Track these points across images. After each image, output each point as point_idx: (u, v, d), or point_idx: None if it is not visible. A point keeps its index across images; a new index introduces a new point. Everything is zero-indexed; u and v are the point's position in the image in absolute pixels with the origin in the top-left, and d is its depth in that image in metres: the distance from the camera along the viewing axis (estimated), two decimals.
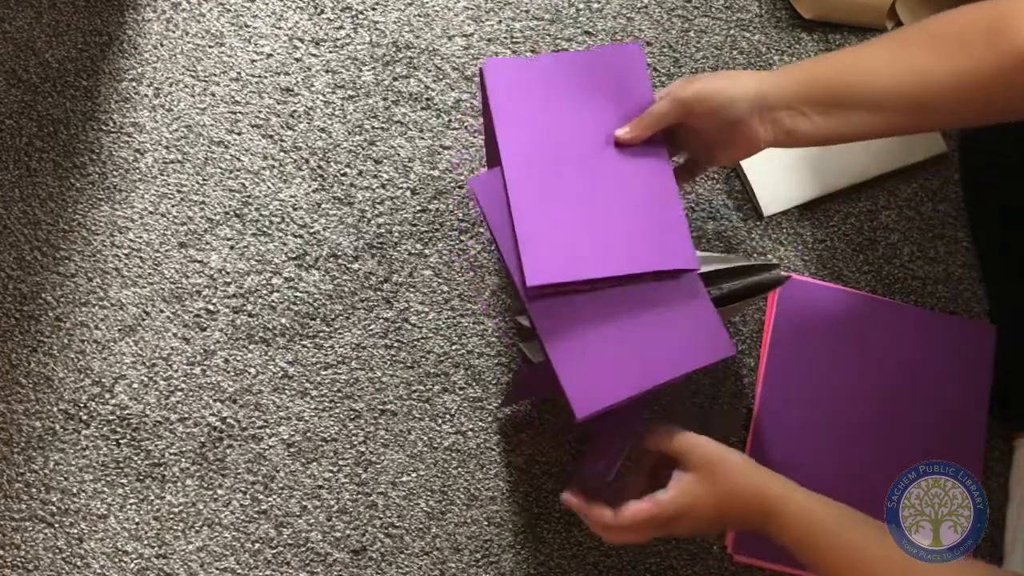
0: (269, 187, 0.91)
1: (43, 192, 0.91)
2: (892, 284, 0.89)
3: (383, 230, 0.90)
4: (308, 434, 0.86)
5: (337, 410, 0.86)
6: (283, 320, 0.88)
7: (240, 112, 0.93)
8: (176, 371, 0.87)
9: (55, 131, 0.93)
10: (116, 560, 0.83)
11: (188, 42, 0.95)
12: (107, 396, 0.86)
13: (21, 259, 0.90)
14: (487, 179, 0.71)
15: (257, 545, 0.84)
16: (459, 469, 0.85)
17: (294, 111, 0.93)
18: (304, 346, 0.88)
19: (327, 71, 0.94)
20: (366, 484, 0.85)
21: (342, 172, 0.92)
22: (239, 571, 0.83)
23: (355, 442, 0.86)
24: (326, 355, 0.87)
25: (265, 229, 0.90)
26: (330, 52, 0.95)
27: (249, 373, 0.87)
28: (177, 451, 0.85)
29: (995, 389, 0.85)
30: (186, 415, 0.86)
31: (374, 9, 0.96)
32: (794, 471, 0.83)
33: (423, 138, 0.92)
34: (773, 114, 0.67)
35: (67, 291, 0.89)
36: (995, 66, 0.62)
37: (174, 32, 0.95)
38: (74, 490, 0.85)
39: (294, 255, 0.90)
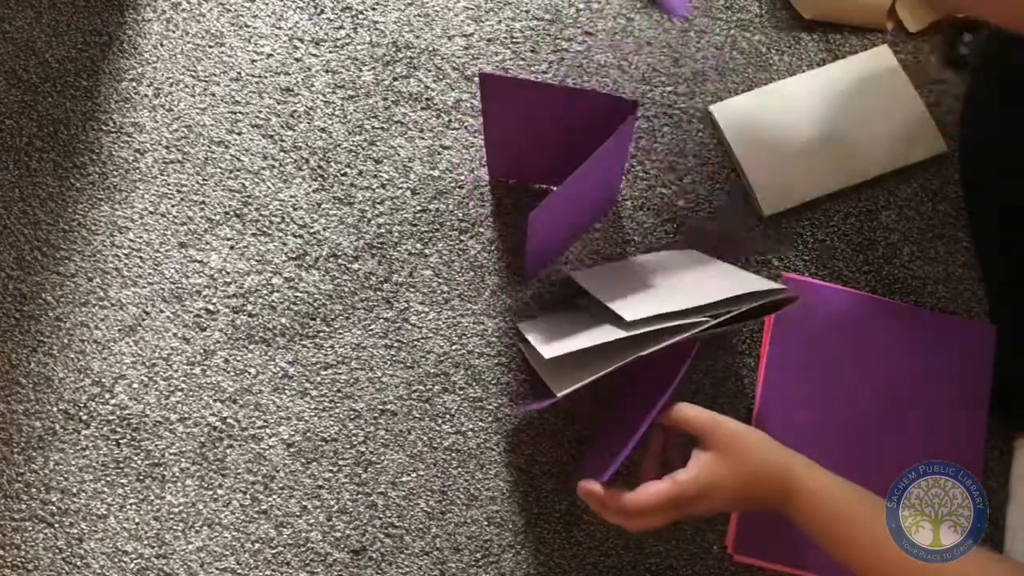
0: (269, 187, 0.91)
1: (43, 192, 0.91)
2: (892, 284, 0.89)
3: (383, 230, 0.90)
4: (308, 434, 0.86)
5: (337, 410, 0.86)
6: (283, 320, 0.88)
7: (240, 112, 0.93)
8: (176, 371, 0.87)
9: (55, 131, 0.93)
10: (116, 560, 0.83)
11: (188, 42, 0.95)
12: (107, 396, 0.86)
13: (21, 259, 0.90)
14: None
15: (257, 545, 0.84)
16: (459, 469, 0.85)
17: (294, 111, 0.93)
18: (304, 346, 0.88)
19: (327, 71, 0.94)
20: (366, 484, 0.85)
21: (342, 172, 0.92)
22: (239, 571, 0.83)
23: (355, 442, 0.86)
24: (326, 355, 0.87)
25: (265, 229, 0.90)
26: (330, 52, 0.95)
27: (249, 373, 0.87)
28: (177, 451, 0.85)
29: (995, 389, 0.85)
30: (186, 415, 0.86)
31: (374, 9, 0.96)
32: None
33: (423, 138, 0.92)
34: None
35: (67, 291, 0.89)
36: None
37: (174, 32, 0.95)
38: (74, 490, 0.85)
39: (294, 255, 0.90)
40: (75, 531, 0.84)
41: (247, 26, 0.95)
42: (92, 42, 0.95)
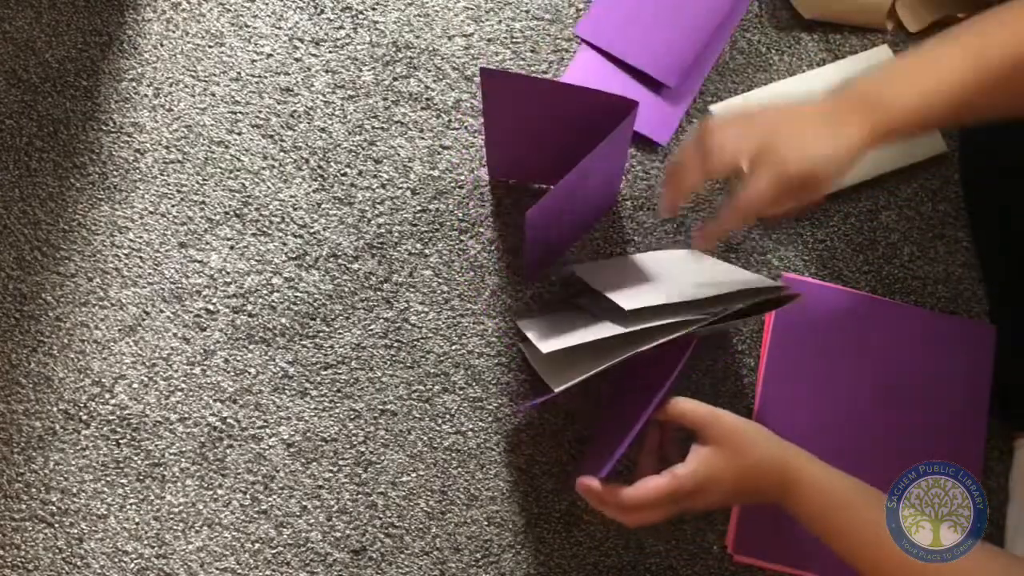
0: (269, 187, 0.91)
1: (43, 192, 0.91)
2: (892, 284, 0.89)
3: (383, 230, 0.90)
4: (308, 434, 0.86)
5: (337, 410, 0.86)
6: (283, 320, 0.88)
7: (240, 112, 0.93)
8: (176, 371, 0.87)
9: (55, 131, 0.93)
10: (116, 560, 0.83)
11: (188, 42, 0.95)
12: (107, 396, 0.86)
13: (21, 259, 0.90)
14: None
15: (257, 545, 0.84)
16: (459, 469, 0.85)
17: (294, 111, 0.93)
18: (304, 346, 0.88)
19: (327, 71, 0.94)
20: (366, 484, 0.85)
21: (342, 172, 0.92)
22: (239, 571, 0.83)
23: (355, 442, 0.86)
24: (326, 355, 0.87)
25: (265, 229, 0.90)
26: (330, 52, 0.95)
27: (249, 373, 0.87)
28: (177, 451, 0.85)
29: (995, 389, 0.84)
30: (186, 415, 0.86)
31: (374, 9, 0.96)
32: None
33: (423, 138, 0.92)
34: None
35: (67, 291, 0.89)
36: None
37: (174, 32, 0.95)
38: (74, 490, 0.85)
39: (294, 255, 0.90)
40: (75, 531, 0.84)
41: (247, 26, 0.95)
42: (92, 42, 0.95)
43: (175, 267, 0.89)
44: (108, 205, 0.91)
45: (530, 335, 0.79)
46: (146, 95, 0.94)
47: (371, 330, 0.88)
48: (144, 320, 0.88)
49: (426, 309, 0.88)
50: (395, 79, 0.94)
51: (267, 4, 0.96)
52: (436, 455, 0.86)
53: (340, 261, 0.89)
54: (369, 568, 0.83)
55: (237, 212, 0.91)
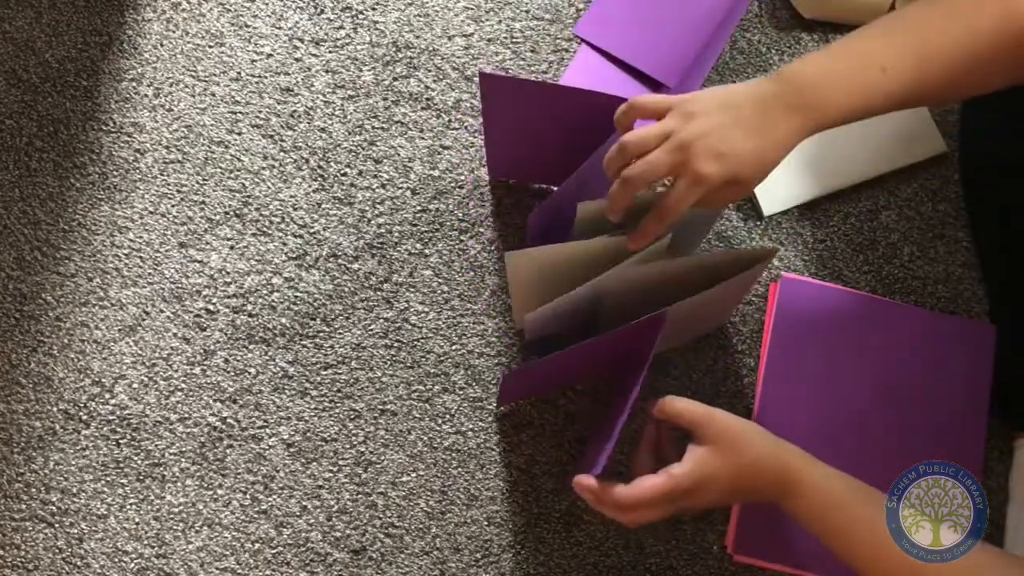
0: (269, 187, 0.91)
1: (43, 192, 0.91)
2: (892, 284, 0.89)
3: (383, 230, 0.90)
4: (308, 434, 0.86)
5: (337, 410, 0.86)
6: (283, 320, 0.88)
7: (240, 112, 0.93)
8: (176, 371, 0.87)
9: (55, 131, 0.93)
10: (116, 560, 0.83)
11: (188, 42, 0.95)
12: (107, 396, 0.86)
13: (21, 259, 0.90)
14: None
15: (257, 545, 0.84)
16: (459, 469, 0.85)
17: (294, 111, 0.93)
18: (304, 346, 0.88)
19: (327, 71, 0.94)
20: (366, 484, 0.85)
21: (342, 172, 0.92)
22: (239, 571, 0.83)
23: (355, 442, 0.86)
24: (326, 355, 0.87)
25: (265, 229, 0.90)
26: (330, 52, 0.95)
27: (249, 373, 0.87)
28: (177, 451, 0.85)
29: (995, 389, 0.84)
30: (186, 415, 0.86)
31: (374, 9, 0.96)
32: None
33: (423, 138, 0.92)
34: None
35: (67, 291, 0.89)
36: (996, 33, 0.63)
37: (174, 32, 0.95)
38: (74, 490, 0.85)
39: (294, 255, 0.90)
40: (75, 531, 0.84)
41: (247, 26, 0.95)
42: (92, 42, 0.95)
43: (175, 267, 0.89)
44: (108, 205, 0.91)
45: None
46: (146, 95, 0.94)
47: (371, 330, 0.88)
48: (144, 320, 0.88)
49: (426, 309, 0.88)
50: (395, 79, 0.94)
51: (267, 4, 0.96)
52: (436, 455, 0.86)
53: (340, 261, 0.90)
54: (369, 568, 0.83)
55: (237, 212, 0.91)
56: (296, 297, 0.89)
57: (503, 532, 0.84)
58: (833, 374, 0.85)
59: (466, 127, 0.93)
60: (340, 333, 0.88)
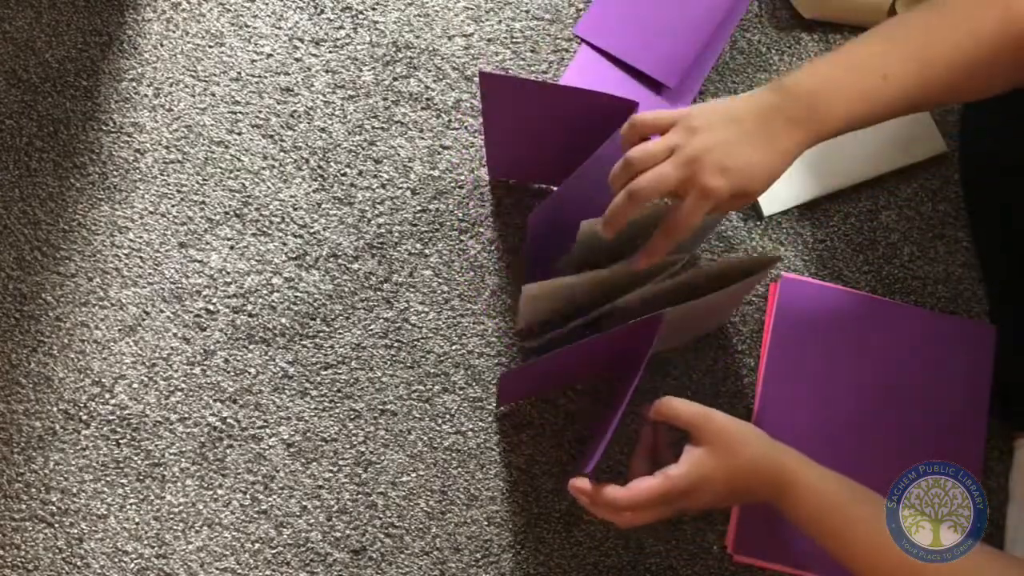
0: (269, 187, 0.91)
1: (43, 192, 0.91)
2: (892, 284, 0.89)
3: (383, 230, 0.90)
4: (308, 434, 0.86)
5: (337, 410, 0.86)
6: (283, 320, 0.88)
7: (240, 112, 0.93)
8: (176, 371, 0.87)
9: (55, 131, 0.93)
10: (116, 560, 0.83)
11: (188, 42, 0.95)
12: (107, 396, 0.86)
13: (21, 259, 0.90)
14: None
15: (257, 545, 0.84)
16: (459, 469, 0.85)
17: (294, 111, 0.93)
18: (304, 346, 0.88)
19: (327, 71, 0.94)
20: (366, 484, 0.85)
21: (342, 172, 0.92)
22: (239, 571, 0.83)
23: (355, 442, 0.86)
24: (326, 355, 0.87)
25: (265, 229, 0.90)
26: (330, 52, 0.95)
27: (249, 373, 0.87)
28: (177, 451, 0.85)
29: (995, 389, 0.84)
30: (186, 415, 0.86)
31: (374, 9, 0.96)
32: None
33: (423, 138, 0.92)
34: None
35: (67, 291, 0.89)
36: (997, 36, 0.63)
37: (174, 32, 0.95)
38: (74, 490, 0.85)
39: (294, 255, 0.90)
40: (75, 531, 0.84)
41: (247, 26, 0.95)
42: (92, 42, 0.95)
43: (175, 267, 0.89)
44: (108, 205, 0.91)
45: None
46: (146, 95, 0.94)
47: (371, 330, 0.88)
48: (144, 320, 0.88)
49: (426, 309, 0.88)
50: (395, 79, 0.94)
51: (267, 4, 0.96)
52: (436, 455, 0.86)
53: (340, 261, 0.90)
54: (369, 568, 0.83)
55: (237, 212, 0.91)
56: (296, 297, 0.89)
57: (503, 532, 0.84)
58: (833, 374, 0.85)
59: (466, 127, 0.93)
60: (340, 333, 0.88)
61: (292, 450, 0.85)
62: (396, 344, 0.88)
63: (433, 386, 0.87)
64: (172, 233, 0.90)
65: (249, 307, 0.88)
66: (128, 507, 0.84)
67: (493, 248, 0.90)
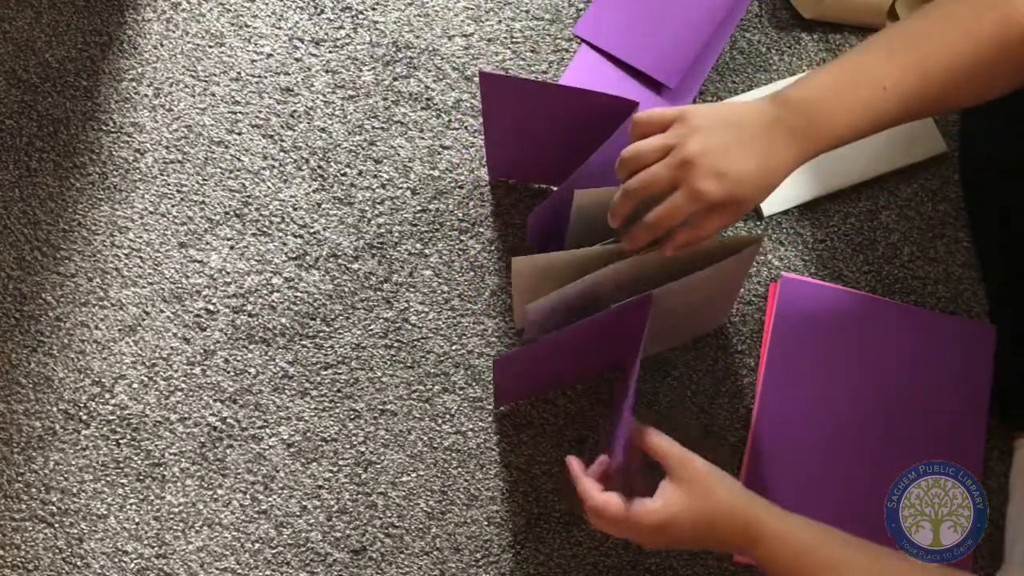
0: (269, 187, 0.91)
1: (43, 192, 0.91)
2: (892, 284, 0.89)
3: (383, 230, 0.90)
4: (308, 434, 0.86)
5: (337, 410, 0.86)
6: (283, 320, 0.88)
7: (240, 112, 0.93)
8: (176, 371, 0.87)
9: (55, 131, 0.93)
10: (116, 560, 0.83)
11: (188, 42, 0.95)
12: (107, 396, 0.86)
13: (21, 259, 0.90)
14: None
15: (257, 545, 0.84)
16: (459, 469, 0.85)
17: (294, 111, 0.93)
18: (304, 346, 0.88)
19: (327, 71, 0.94)
20: (366, 484, 0.85)
21: (342, 172, 0.92)
22: (239, 571, 0.83)
23: (355, 442, 0.86)
24: (326, 355, 0.87)
25: (265, 229, 0.90)
26: (330, 52, 0.95)
27: (249, 373, 0.87)
28: (177, 451, 0.85)
29: (995, 389, 0.84)
30: (186, 415, 0.86)
31: (374, 9, 0.96)
32: (794, 470, 0.83)
33: (423, 138, 0.92)
34: None
35: (67, 291, 0.89)
36: (996, 40, 0.63)
37: (174, 32, 0.95)
38: (74, 490, 0.85)
39: (294, 255, 0.90)
40: (75, 531, 0.84)
41: (247, 26, 0.95)
42: (92, 42, 0.95)
43: (175, 267, 0.89)
44: (108, 205, 0.91)
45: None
46: (146, 95, 0.94)
47: (371, 330, 0.88)
48: (144, 320, 0.88)
49: (426, 309, 0.88)
50: (395, 79, 0.94)
51: (267, 4, 0.96)
52: (436, 455, 0.86)
53: (340, 261, 0.90)
54: (369, 568, 0.83)
55: (237, 212, 0.91)
56: (296, 297, 0.89)
57: (503, 532, 0.84)
58: (833, 374, 0.85)
59: (466, 127, 0.93)
60: (340, 333, 0.88)
61: (292, 450, 0.85)
62: (396, 344, 0.88)
63: (433, 386, 0.87)
64: (172, 233, 0.90)
65: (249, 307, 0.88)
66: (128, 507, 0.84)
67: (493, 248, 0.90)
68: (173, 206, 0.91)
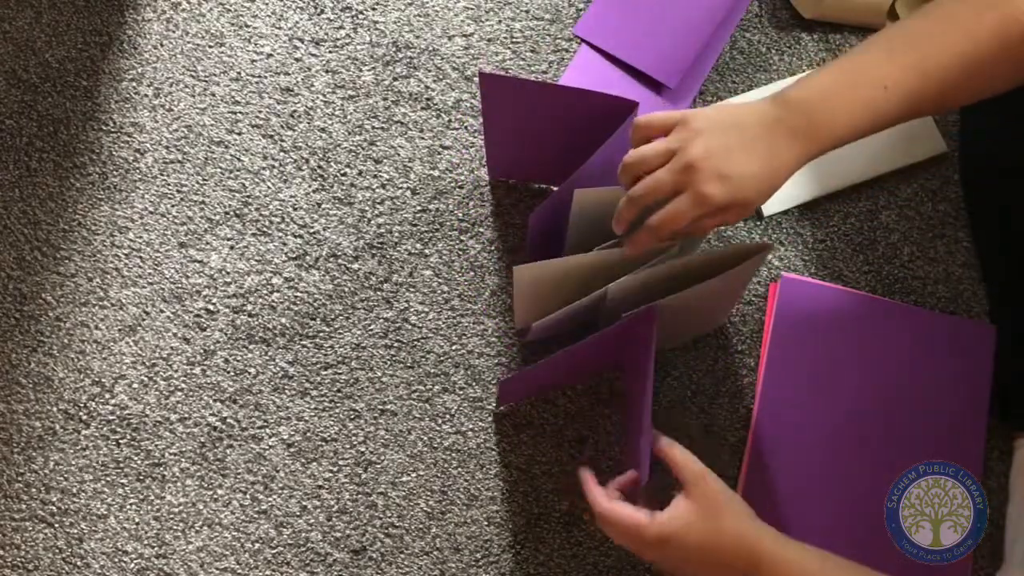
0: (269, 187, 0.91)
1: (43, 192, 0.91)
2: (892, 284, 0.89)
3: (383, 230, 0.90)
4: (308, 434, 0.86)
5: (337, 410, 0.86)
6: (283, 320, 0.88)
7: (240, 112, 0.93)
8: (176, 371, 0.87)
9: (55, 131, 0.93)
10: (116, 560, 0.83)
11: (188, 42, 0.95)
12: (107, 396, 0.86)
13: (21, 259, 0.90)
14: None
15: (257, 545, 0.84)
16: (459, 469, 0.85)
17: (294, 111, 0.93)
18: (304, 346, 0.88)
19: (327, 71, 0.94)
20: (366, 484, 0.85)
21: (342, 172, 0.92)
22: (239, 571, 0.83)
23: (355, 442, 0.86)
24: (326, 355, 0.87)
25: (265, 229, 0.90)
26: (330, 52, 0.95)
27: (249, 373, 0.87)
28: (177, 451, 0.85)
29: (995, 389, 0.85)
30: (186, 415, 0.86)
31: (374, 9, 0.96)
32: (794, 470, 0.83)
33: (423, 138, 0.92)
34: None
35: (67, 291, 0.89)
36: (997, 39, 0.63)
37: (174, 32, 0.95)
38: (74, 490, 0.85)
39: (294, 255, 0.90)
40: (75, 531, 0.84)
41: (247, 26, 0.95)
42: (92, 42, 0.95)
43: (175, 267, 0.89)
44: (108, 205, 0.91)
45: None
46: (146, 95, 0.94)
47: (371, 330, 0.88)
48: (144, 320, 0.88)
49: (426, 309, 0.88)
50: (395, 79, 0.94)
51: (267, 4, 0.96)
52: (436, 455, 0.86)
53: (340, 261, 0.90)
54: (369, 568, 0.83)
55: (237, 212, 0.91)
56: (296, 297, 0.89)
57: (503, 532, 0.84)
58: (833, 374, 0.85)
59: (466, 127, 0.93)
60: (340, 333, 0.88)
61: (292, 450, 0.85)
62: (396, 344, 0.88)
63: (433, 386, 0.87)
64: (172, 233, 0.90)
65: (249, 307, 0.88)
66: (128, 507, 0.84)
67: (493, 248, 0.90)
68: (173, 206, 0.91)
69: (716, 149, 0.64)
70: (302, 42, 0.95)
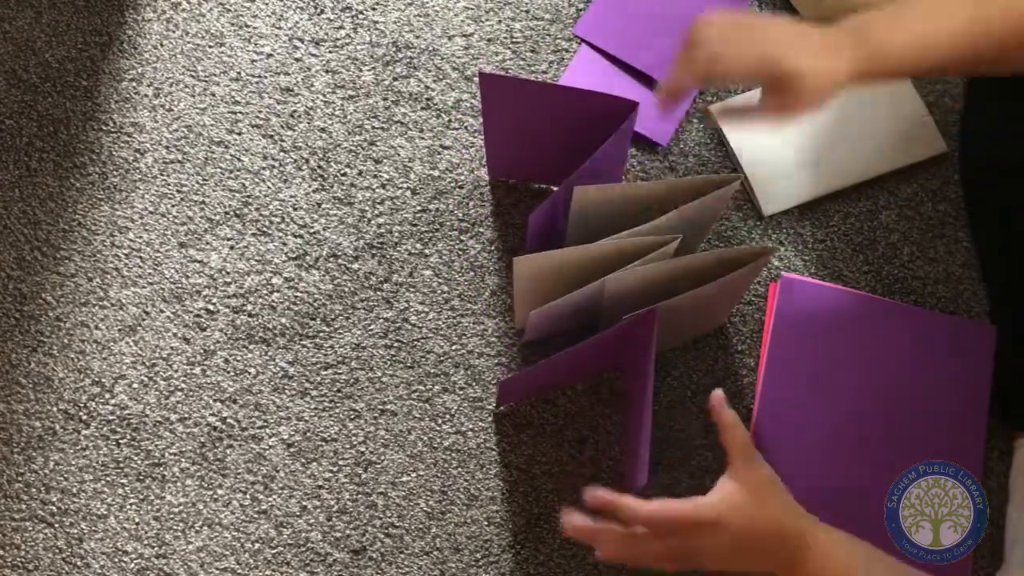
0: (269, 187, 0.91)
1: (43, 192, 0.91)
2: (892, 284, 0.89)
3: (383, 230, 0.90)
4: (308, 434, 0.86)
5: (337, 410, 0.86)
6: (283, 320, 0.88)
7: (240, 112, 0.93)
8: (176, 371, 0.87)
9: (55, 131, 0.93)
10: (116, 560, 0.83)
11: (188, 42, 0.95)
12: (107, 396, 0.86)
13: (21, 259, 0.90)
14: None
15: (257, 545, 0.84)
16: (459, 469, 0.85)
17: (294, 111, 0.93)
18: (304, 346, 0.88)
19: (327, 71, 0.94)
20: (366, 484, 0.85)
21: (342, 172, 0.92)
22: (239, 571, 0.83)
23: (355, 442, 0.86)
24: (326, 355, 0.87)
25: (265, 229, 0.90)
26: (330, 52, 0.95)
27: (249, 373, 0.87)
28: (177, 451, 0.85)
29: (995, 389, 0.84)
30: (186, 415, 0.86)
31: (374, 9, 0.96)
32: (794, 470, 0.83)
33: (423, 138, 0.92)
34: None
35: (67, 291, 0.89)
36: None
37: (174, 32, 0.95)
38: (74, 490, 0.85)
39: (294, 255, 0.90)
40: (75, 531, 0.84)
41: (247, 26, 0.95)
42: (92, 42, 0.95)
43: (175, 267, 0.89)
44: (108, 205, 0.91)
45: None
46: (146, 95, 0.94)
47: (371, 330, 0.88)
48: (144, 320, 0.88)
49: (426, 309, 0.88)
50: (395, 79, 0.94)
51: (267, 4, 0.96)
52: (436, 455, 0.86)
53: (340, 261, 0.90)
54: (369, 568, 0.83)
55: (237, 212, 0.91)
56: (296, 297, 0.89)
57: (503, 532, 0.84)
58: (833, 374, 0.85)
59: (466, 127, 0.93)
60: (340, 333, 0.88)
61: (292, 450, 0.85)
62: (396, 344, 0.88)
63: (433, 386, 0.87)
64: (172, 233, 0.90)
65: (249, 307, 0.88)
66: (128, 507, 0.84)
67: (493, 248, 0.90)
68: (173, 206, 0.91)
69: (784, 43, 0.66)
70: (302, 42, 0.95)
